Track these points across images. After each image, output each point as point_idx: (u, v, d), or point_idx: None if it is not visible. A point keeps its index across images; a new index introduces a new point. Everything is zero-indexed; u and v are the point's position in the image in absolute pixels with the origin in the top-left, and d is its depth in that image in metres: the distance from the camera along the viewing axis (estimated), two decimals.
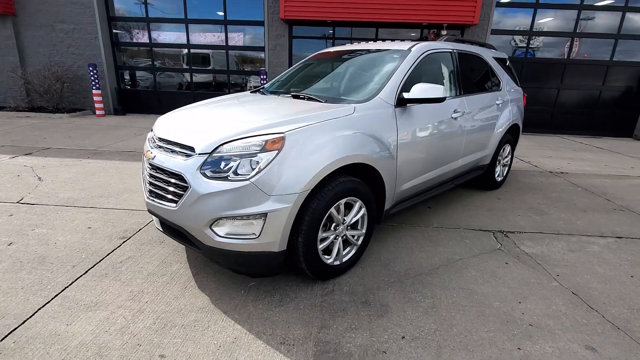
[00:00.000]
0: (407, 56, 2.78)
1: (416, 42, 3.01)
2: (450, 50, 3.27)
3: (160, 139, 2.22)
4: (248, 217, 1.88)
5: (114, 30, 9.08)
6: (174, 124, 2.32)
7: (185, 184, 1.96)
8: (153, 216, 2.40)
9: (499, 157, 4.13)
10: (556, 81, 8.99)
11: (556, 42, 8.82)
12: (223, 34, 8.87)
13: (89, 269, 2.35)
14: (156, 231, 2.91)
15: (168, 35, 9.03)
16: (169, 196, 2.06)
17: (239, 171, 1.89)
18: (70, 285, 2.18)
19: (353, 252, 2.41)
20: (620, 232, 3.25)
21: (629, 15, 8.47)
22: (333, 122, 2.16)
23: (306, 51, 8.88)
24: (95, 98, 8.63)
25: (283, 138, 1.94)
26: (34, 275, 2.27)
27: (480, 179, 4.06)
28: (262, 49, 8.91)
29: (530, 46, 8.84)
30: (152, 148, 2.24)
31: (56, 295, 2.07)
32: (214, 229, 1.92)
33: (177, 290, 2.17)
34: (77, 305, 1.99)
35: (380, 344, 1.79)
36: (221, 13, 8.75)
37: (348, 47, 3.45)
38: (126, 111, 9.47)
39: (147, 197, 2.23)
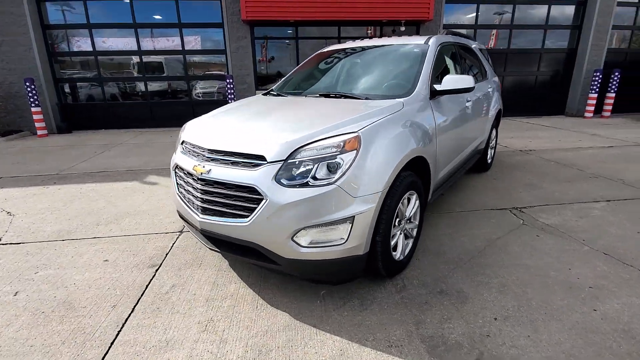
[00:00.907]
0: (427, 50, 2.86)
1: (429, 36, 3.11)
2: (454, 43, 3.44)
3: (213, 151, 2.01)
4: (333, 222, 1.79)
5: (50, 41, 8.02)
6: (221, 133, 2.12)
7: (258, 196, 1.80)
8: (198, 236, 2.20)
9: (490, 141, 4.45)
10: (500, 69, 9.90)
11: (499, 33, 9.71)
12: (178, 38, 8.31)
13: (135, 306, 2.07)
14: (189, 253, 2.65)
15: (115, 42, 8.21)
16: (236, 212, 1.89)
17: (317, 176, 1.80)
18: (122, 327, 1.89)
19: (410, 244, 2.43)
20: (607, 196, 3.69)
21: (554, 7, 9.63)
22: (392, 118, 2.15)
23: (272, 52, 8.71)
24: (34, 116, 7.55)
25: (359, 137, 1.88)
26: (69, 324, 1.93)
27: (475, 163, 4.33)
28: (222, 52, 8.52)
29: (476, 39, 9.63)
30: (202, 162, 2.03)
31: (113, 342, 1.79)
32: (296, 240, 1.80)
33: (249, 312, 2.00)
34: (146, 349, 1.74)
35: (479, 329, 1.83)
36: (174, 16, 8.18)
37: (358, 43, 3.44)
38: (71, 128, 8.44)
39: (201, 217, 2.02)
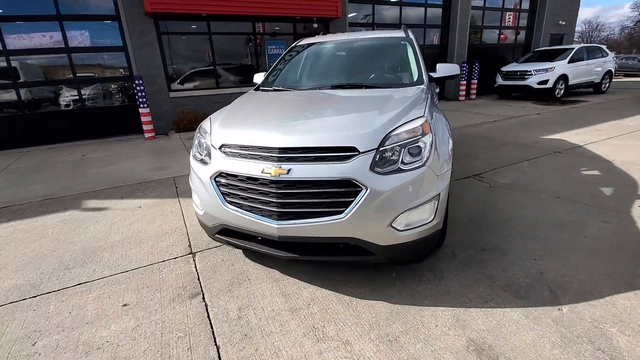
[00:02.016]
0: (412, 42, 3.15)
1: (403, 29, 3.40)
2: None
3: (287, 149, 1.83)
4: (425, 202, 1.89)
5: None
6: (284, 130, 1.93)
7: (355, 188, 1.76)
8: (263, 247, 2.00)
9: None
10: None
11: None
12: (58, 33, 6.70)
13: (215, 342, 1.75)
14: (224, 272, 2.33)
15: None
16: (328, 209, 1.79)
17: (405, 160, 1.86)
18: None
19: None
20: (525, 157, 4.73)
21: (429, 9, 11.41)
22: (428, 103, 2.33)
23: (184, 49, 7.87)
24: None
25: (428, 121, 2.00)
26: None
27: None
28: (121, 49, 7.27)
29: None
30: (274, 163, 1.82)
31: None
32: (395, 225, 1.84)
33: (345, 310, 1.93)
34: None
35: (532, 269, 2.21)
36: (51, 7, 6.53)
37: (344, 36, 3.52)
38: None
39: (279, 223, 1.83)
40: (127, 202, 3.78)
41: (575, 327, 1.74)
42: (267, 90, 3.02)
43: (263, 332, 1.80)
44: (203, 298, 2.10)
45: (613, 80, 13.12)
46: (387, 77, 2.93)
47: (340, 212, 1.78)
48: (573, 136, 5.85)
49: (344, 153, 1.80)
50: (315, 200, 1.80)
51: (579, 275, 2.14)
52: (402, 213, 1.82)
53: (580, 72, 11.12)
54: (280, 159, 1.84)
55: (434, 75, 2.93)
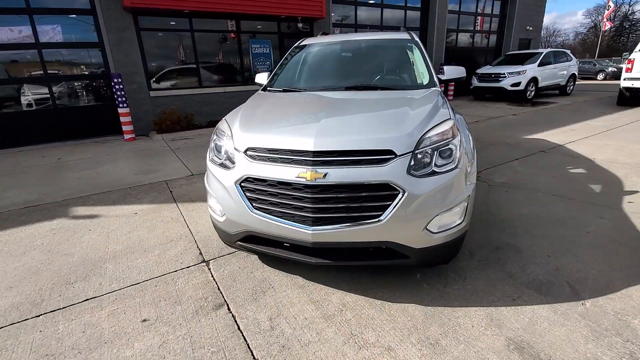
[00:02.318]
0: (418, 44, 3.18)
1: (406, 31, 3.43)
2: None
3: (322, 153, 1.78)
4: (457, 204, 1.91)
5: None
6: (317, 133, 1.88)
7: (392, 192, 1.75)
8: (293, 254, 1.95)
9: None
10: None
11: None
12: (28, 27, 6.20)
13: (253, 355, 1.68)
14: (244, 281, 2.24)
15: None
16: (365, 213, 1.77)
17: (437, 162, 1.87)
18: None
19: None
20: (514, 156, 4.93)
21: (409, 12, 11.64)
22: (447, 105, 2.36)
23: (164, 46, 7.53)
24: None
25: (456, 123, 2.02)
26: None
27: None
28: (97, 45, 6.85)
29: None
30: (310, 167, 1.77)
31: None
32: (429, 228, 1.84)
33: (379, 315, 1.91)
34: None
35: (548, 266, 2.29)
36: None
37: (348, 36, 3.51)
38: None
39: (313, 229, 1.78)
40: (120, 208, 3.56)
41: (602, 320, 1.82)
42: (276, 91, 2.95)
43: (301, 342, 1.74)
44: (228, 309, 2.01)
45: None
46: (400, 79, 2.95)
47: (378, 216, 1.76)
48: (552, 136, 6.18)
49: (381, 156, 1.78)
50: (351, 205, 1.77)
51: (592, 270, 2.24)
52: (437, 215, 1.83)
53: (549, 75, 11.78)
54: (315, 163, 1.78)
55: (441, 77, 2.97)
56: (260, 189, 1.91)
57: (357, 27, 10.55)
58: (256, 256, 2.53)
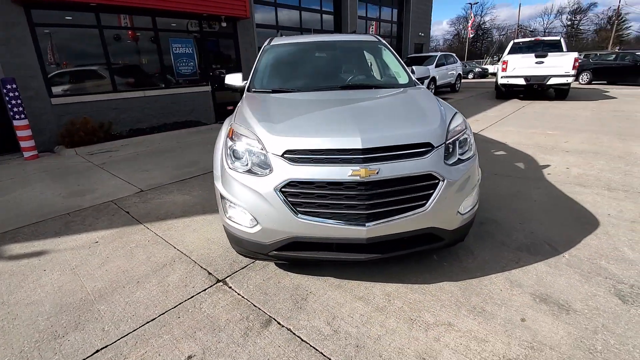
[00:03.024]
0: (386, 45, 3.42)
1: (372, 33, 3.64)
2: None
3: (371, 150, 1.81)
4: (475, 187, 2.17)
5: None
6: (360, 131, 1.90)
7: (433, 181, 1.91)
8: (341, 255, 1.97)
9: None
10: None
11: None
12: None
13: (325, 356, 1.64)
14: (275, 293, 2.13)
15: None
16: (412, 204, 1.88)
17: (459, 152, 2.10)
18: None
19: None
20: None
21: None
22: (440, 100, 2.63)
23: (67, 45, 6.31)
24: None
25: (462, 116, 2.28)
26: None
27: None
28: None
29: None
30: (362, 164, 1.78)
31: None
32: (460, 210, 2.06)
33: (423, 296, 2.04)
34: None
35: (526, 231, 2.78)
36: None
37: (319, 37, 3.51)
38: None
39: (368, 225, 1.82)
40: (70, 239, 2.94)
41: (583, 266, 2.29)
42: (265, 92, 2.82)
43: (372, 338, 1.77)
44: (279, 323, 1.89)
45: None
46: (389, 78, 3.14)
47: (423, 205, 1.90)
48: None
49: (420, 149, 1.92)
50: (400, 197, 1.86)
51: (554, 229, 2.79)
52: (465, 198, 2.06)
53: (443, 74, 13.69)
54: (366, 160, 1.82)
55: (414, 76, 3.27)
56: (305, 192, 1.85)
57: (280, 28, 10.57)
58: (273, 265, 2.42)
